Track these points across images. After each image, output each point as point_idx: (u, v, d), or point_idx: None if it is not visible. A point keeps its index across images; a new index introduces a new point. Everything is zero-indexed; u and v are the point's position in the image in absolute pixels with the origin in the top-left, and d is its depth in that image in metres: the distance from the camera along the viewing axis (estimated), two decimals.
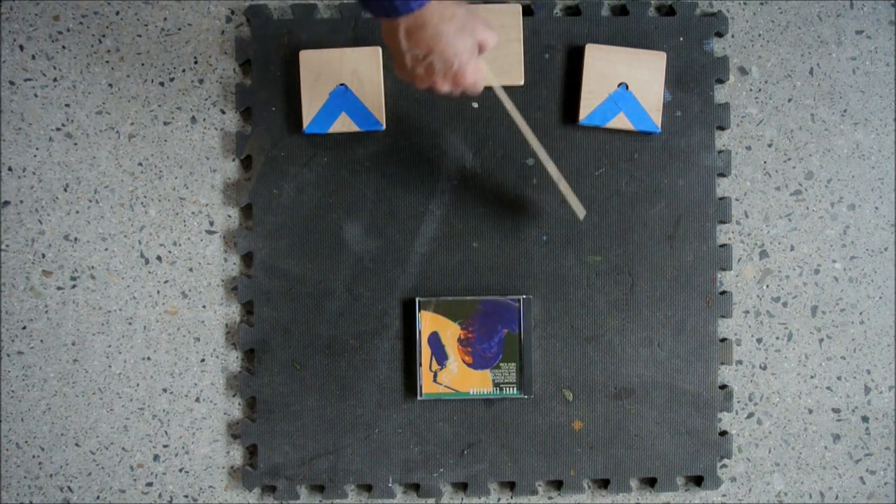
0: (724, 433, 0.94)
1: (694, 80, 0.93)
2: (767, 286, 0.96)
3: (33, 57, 0.94)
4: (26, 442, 0.94)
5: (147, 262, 0.94)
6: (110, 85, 0.94)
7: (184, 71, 0.94)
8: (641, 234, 0.93)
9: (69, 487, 0.94)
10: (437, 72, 0.70)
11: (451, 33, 0.68)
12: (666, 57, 0.92)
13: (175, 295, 0.94)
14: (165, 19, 0.94)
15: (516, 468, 0.93)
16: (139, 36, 0.94)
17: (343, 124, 0.91)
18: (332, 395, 0.93)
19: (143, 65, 0.94)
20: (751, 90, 0.96)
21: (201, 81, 0.94)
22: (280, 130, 0.93)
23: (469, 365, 0.91)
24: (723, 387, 0.94)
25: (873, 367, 0.96)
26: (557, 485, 0.94)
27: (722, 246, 0.94)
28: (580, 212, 0.87)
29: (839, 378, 0.96)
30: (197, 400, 0.94)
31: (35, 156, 0.94)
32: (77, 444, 0.94)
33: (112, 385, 0.94)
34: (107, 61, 0.94)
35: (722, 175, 0.95)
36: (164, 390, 0.94)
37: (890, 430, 0.96)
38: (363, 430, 0.93)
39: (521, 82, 0.92)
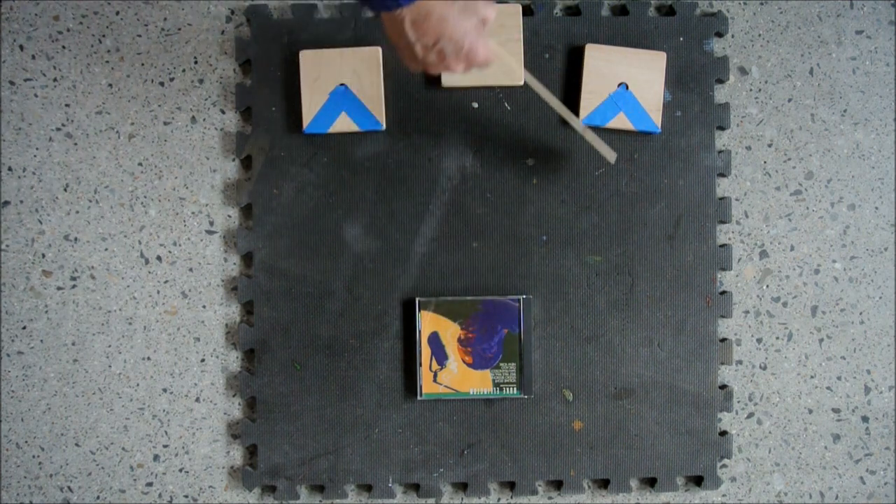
0: (724, 433, 0.94)
1: (694, 80, 0.93)
2: (767, 286, 0.96)
3: (33, 57, 0.94)
4: (26, 442, 0.94)
5: (147, 262, 0.94)
6: (110, 85, 0.94)
7: (184, 71, 0.94)
8: (641, 234, 0.93)
9: (69, 487, 0.94)
10: (448, 55, 0.71)
11: (456, 16, 0.69)
12: (666, 57, 0.92)
13: (175, 295, 0.94)
14: (165, 19, 0.94)
15: (516, 468, 0.93)
16: (139, 36, 0.94)
17: (343, 124, 0.91)
18: (332, 395, 0.93)
19: (143, 65, 0.94)
20: (751, 90, 0.96)
21: (201, 81, 0.94)
22: (280, 130, 0.93)
23: (469, 365, 0.91)
24: (723, 387, 0.94)
25: (873, 367, 0.96)
26: (557, 485, 0.94)
27: (722, 246, 0.94)
28: (611, 156, 0.87)
29: (839, 378, 0.96)
30: (197, 400, 0.94)
31: (35, 156, 0.94)
32: (77, 444, 0.94)
33: (112, 385, 0.94)
34: (107, 61, 0.94)
35: (722, 175, 0.95)
36: (164, 390, 0.94)
37: (890, 430, 0.96)
38: (363, 430, 0.93)
39: (521, 82, 0.92)
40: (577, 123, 0.87)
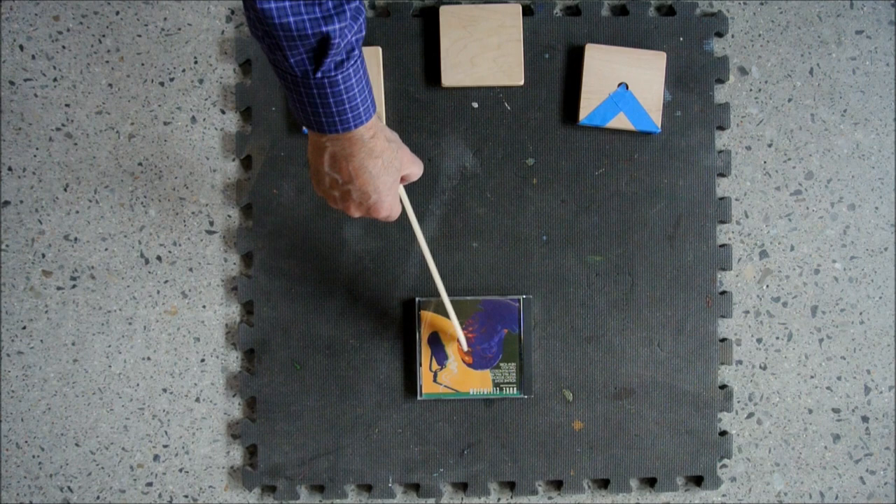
0: (724, 433, 0.94)
1: (694, 80, 0.93)
2: (767, 286, 0.96)
3: (33, 57, 0.94)
4: (26, 442, 0.94)
5: (147, 262, 0.94)
6: (110, 85, 0.94)
7: (184, 71, 0.94)
8: (641, 234, 0.93)
9: (69, 487, 0.94)
10: (352, 200, 0.70)
11: (375, 170, 0.67)
12: (666, 57, 0.92)
13: (175, 295, 0.94)
14: (165, 19, 0.94)
15: (516, 468, 0.93)
16: (139, 36, 0.94)
17: None
18: (332, 395, 0.93)
19: (143, 65, 0.94)
20: (751, 90, 0.96)
21: (201, 81, 0.94)
22: (280, 130, 0.93)
23: (469, 365, 0.91)
24: (723, 387, 0.94)
25: (873, 367, 0.96)
26: (557, 485, 0.94)
27: (722, 246, 0.94)
28: (464, 344, 0.90)
29: (839, 378, 0.96)
30: (197, 400, 0.94)
31: (35, 156, 0.94)
32: (77, 444, 0.94)
33: (112, 385, 0.94)
34: (107, 61, 0.94)
35: (722, 175, 0.95)
36: (164, 390, 0.94)
37: (890, 430, 0.96)
38: (363, 430, 0.93)
39: (521, 82, 0.92)
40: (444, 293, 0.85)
